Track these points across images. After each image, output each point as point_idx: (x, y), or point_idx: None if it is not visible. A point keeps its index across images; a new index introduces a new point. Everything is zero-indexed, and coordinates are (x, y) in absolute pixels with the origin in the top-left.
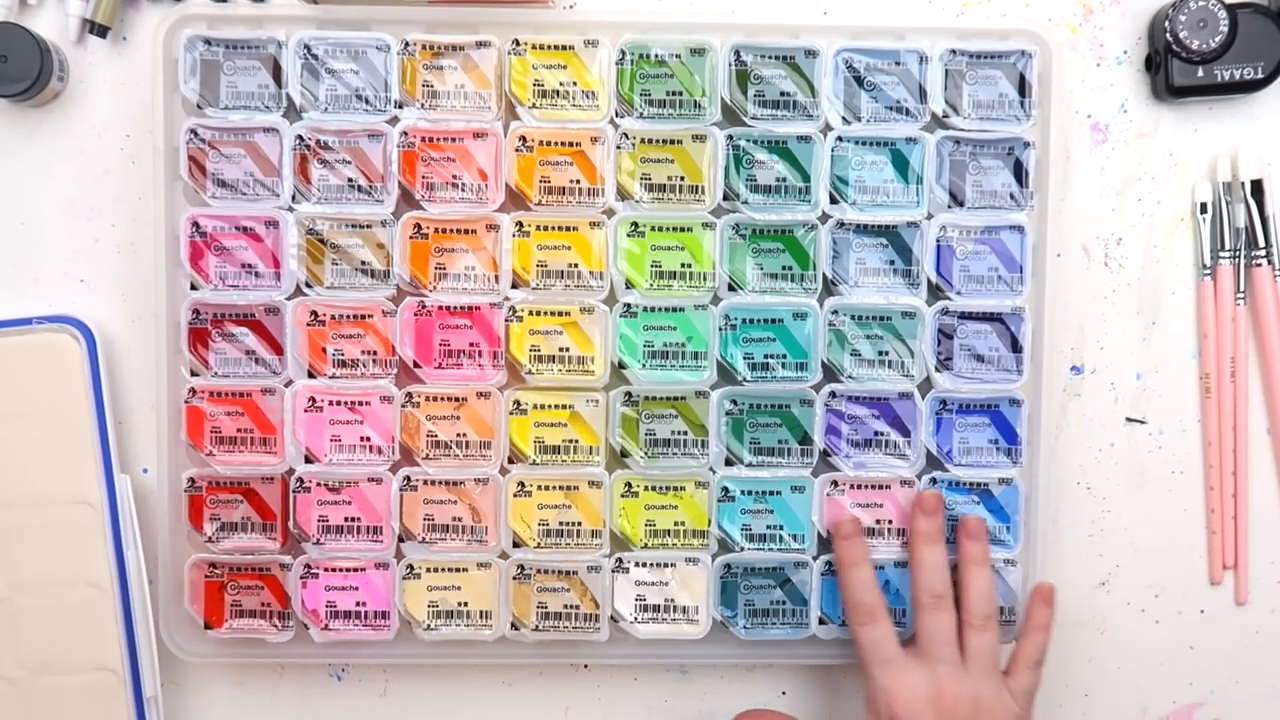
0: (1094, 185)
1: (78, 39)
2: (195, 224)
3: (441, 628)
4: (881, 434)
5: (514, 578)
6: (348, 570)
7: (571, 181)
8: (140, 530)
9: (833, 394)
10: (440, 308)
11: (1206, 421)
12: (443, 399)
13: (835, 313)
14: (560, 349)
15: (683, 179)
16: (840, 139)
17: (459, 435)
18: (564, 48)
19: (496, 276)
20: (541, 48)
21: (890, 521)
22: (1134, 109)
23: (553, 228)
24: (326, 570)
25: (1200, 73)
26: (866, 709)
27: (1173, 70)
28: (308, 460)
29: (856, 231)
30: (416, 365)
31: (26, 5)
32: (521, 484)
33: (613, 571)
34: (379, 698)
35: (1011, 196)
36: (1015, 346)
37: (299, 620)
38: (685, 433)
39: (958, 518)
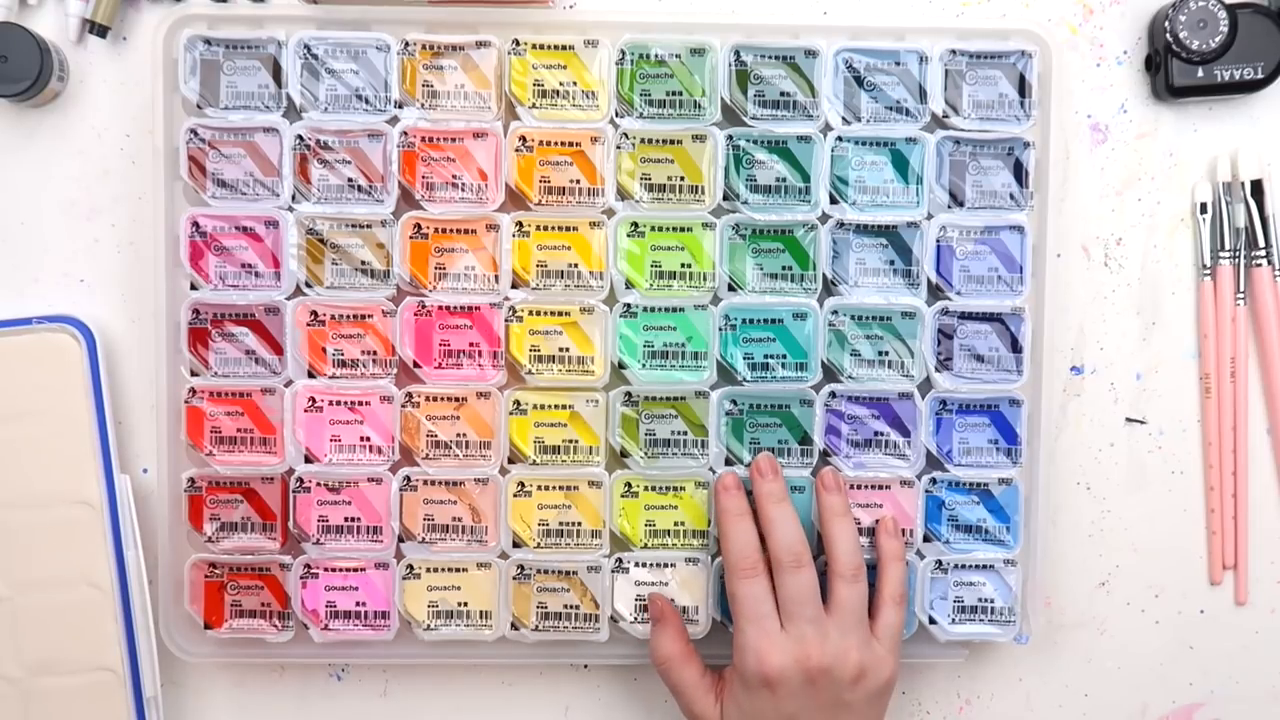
0: (1094, 185)
1: (78, 39)
2: (195, 224)
3: (441, 628)
4: (881, 434)
5: (514, 578)
6: (347, 570)
7: (571, 181)
8: (140, 530)
9: (833, 394)
10: (440, 308)
11: (1206, 421)
12: (443, 399)
13: (835, 313)
14: (560, 349)
15: (683, 179)
16: (840, 139)
17: (459, 435)
18: (564, 48)
19: (496, 276)
20: (541, 48)
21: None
22: (1134, 109)
23: (553, 228)
24: (326, 570)
25: (1200, 73)
26: (734, 664)
27: (1173, 70)
28: (308, 460)
29: (856, 231)
30: (416, 365)
31: (26, 5)
32: (521, 484)
33: (612, 572)
34: (379, 698)
35: (1011, 196)
36: (1015, 346)
37: (299, 620)
38: (685, 433)
39: (958, 518)
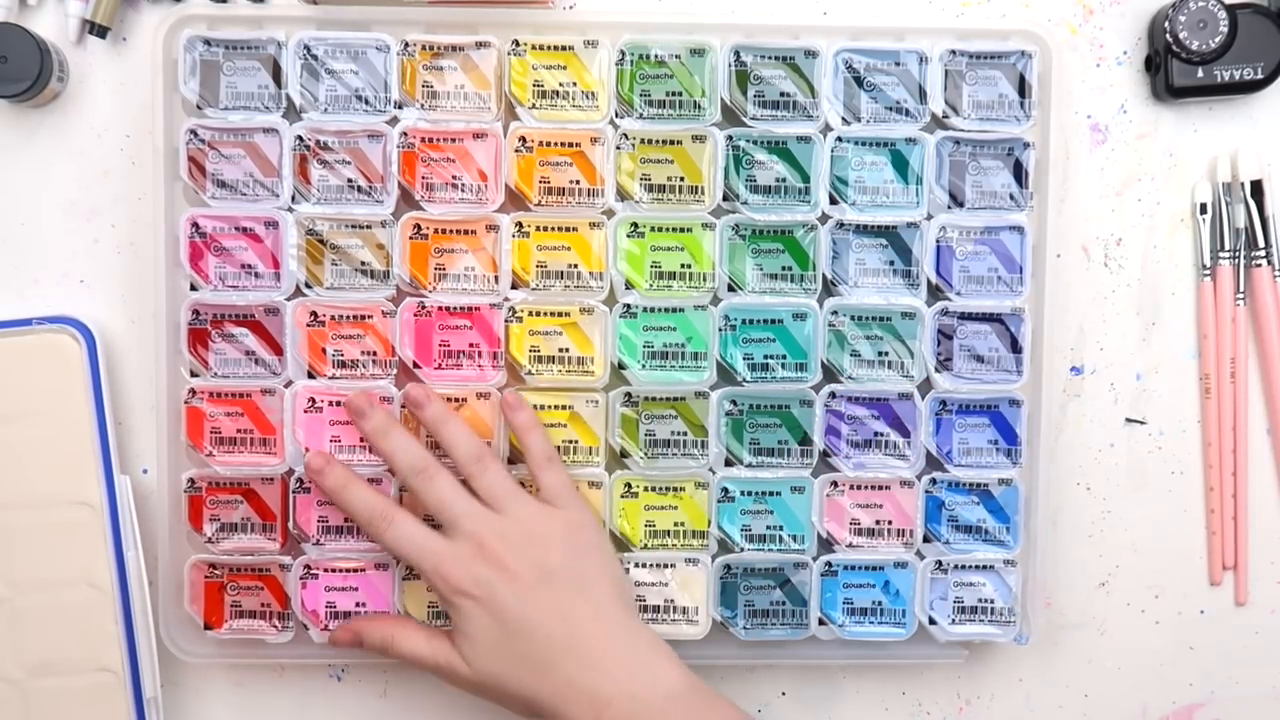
0: (1094, 185)
1: (78, 39)
2: (195, 224)
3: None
4: (881, 434)
5: None
6: (347, 571)
7: (571, 182)
8: (140, 531)
9: (832, 394)
10: (440, 308)
11: (1206, 422)
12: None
13: (835, 313)
14: (560, 349)
15: (682, 179)
16: (840, 139)
17: None
18: (564, 48)
19: (496, 277)
20: (541, 48)
21: (890, 522)
22: (1134, 109)
23: (552, 228)
24: (326, 571)
25: (1200, 73)
26: (440, 598)
27: (1172, 71)
28: None
29: (856, 232)
30: (416, 366)
31: (26, 5)
32: (521, 484)
33: None
34: (379, 698)
35: (1011, 197)
36: (1015, 347)
37: (299, 621)
38: (685, 433)
39: (958, 518)
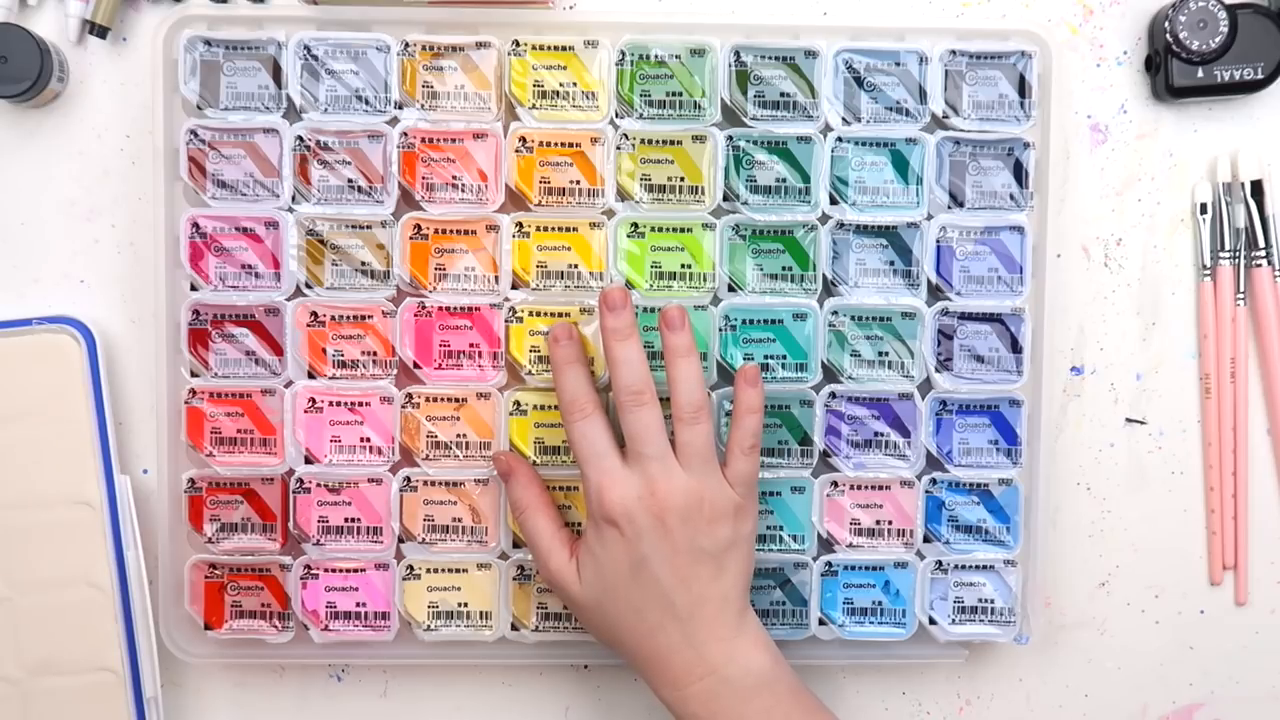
0: (1094, 186)
1: (78, 39)
2: (195, 225)
3: (441, 628)
4: (881, 434)
5: (514, 578)
6: (348, 571)
7: (571, 182)
8: (140, 531)
9: (833, 394)
10: (440, 308)
11: (1206, 422)
12: (443, 399)
13: (835, 313)
14: None
15: (682, 179)
16: (840, 139)
17: (459, 436)
18: (564, 48)
19: (496, 277)
20: (541, 48)
21: (890, 522)
22: (1134, 109)
23: (553, 228)
24: (326, 571)
25: (1200, 73)
26: (586, 511)
27: (1173, 71)
28: (308, 461)
29: (856, 232)
30: (416, 366)
31: (26, 5)
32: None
33: None
34: (379, 698)
35: (1011, 197)
36: (1015, 347)
37: (299, 621)
38: None
39: (958, 518)
